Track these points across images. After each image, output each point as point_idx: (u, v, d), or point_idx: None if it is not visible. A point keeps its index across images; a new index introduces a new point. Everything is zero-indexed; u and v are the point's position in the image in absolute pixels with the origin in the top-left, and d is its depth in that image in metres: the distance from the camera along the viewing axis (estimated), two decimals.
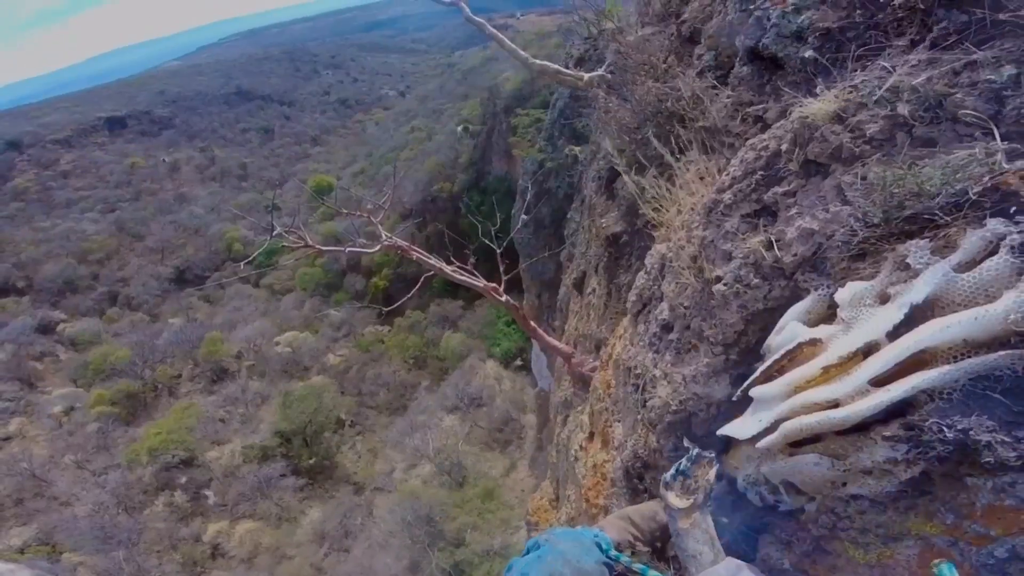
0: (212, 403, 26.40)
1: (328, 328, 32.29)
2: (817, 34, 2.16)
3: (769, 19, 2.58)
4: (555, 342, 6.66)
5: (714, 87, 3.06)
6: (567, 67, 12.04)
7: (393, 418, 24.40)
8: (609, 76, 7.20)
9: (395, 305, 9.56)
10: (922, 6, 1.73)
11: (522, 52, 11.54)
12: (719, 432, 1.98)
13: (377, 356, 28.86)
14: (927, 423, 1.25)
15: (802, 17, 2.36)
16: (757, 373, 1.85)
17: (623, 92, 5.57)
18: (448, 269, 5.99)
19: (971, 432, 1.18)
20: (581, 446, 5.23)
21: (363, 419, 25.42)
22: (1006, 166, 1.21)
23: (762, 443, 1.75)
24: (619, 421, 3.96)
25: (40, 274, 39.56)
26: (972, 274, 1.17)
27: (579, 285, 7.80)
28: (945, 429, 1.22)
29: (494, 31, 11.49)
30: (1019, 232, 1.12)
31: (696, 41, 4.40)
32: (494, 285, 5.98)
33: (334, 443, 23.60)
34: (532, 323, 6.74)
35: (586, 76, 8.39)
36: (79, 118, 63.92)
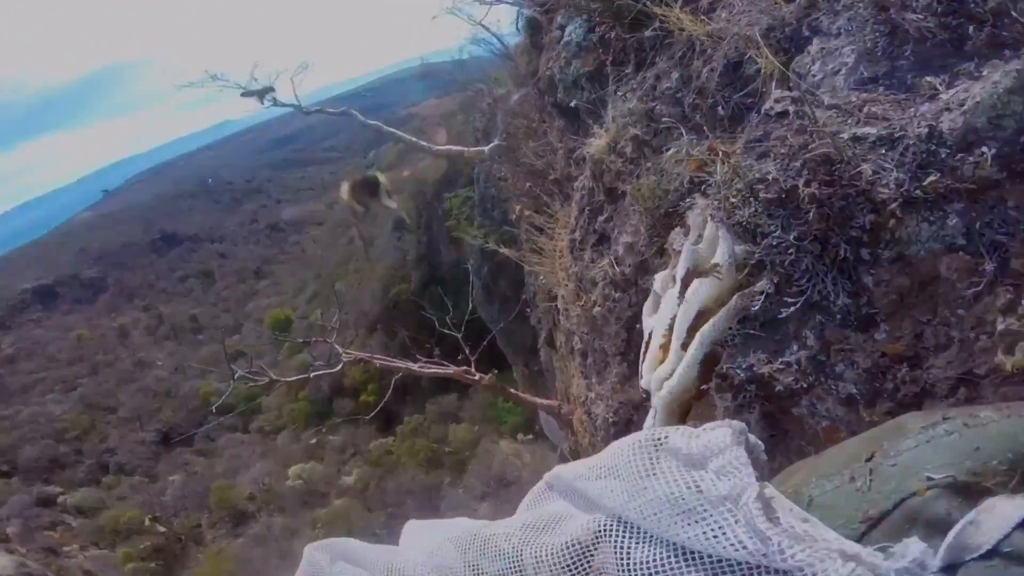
0: (242, 545, 26.06)
1: (332, 453, 32.24)
2: (584, 79, 2.66)
3: (556, 76, 3.12)
4: (541, 400, 6.90)
5: (556, 139, 3.56)
6: (476, 140, 12.87)
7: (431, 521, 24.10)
8: (503, 144, 7.84)
9: (373, 412, 9.81)
10: (626, 36, 2.23)
11: (423, 143, 12.36)
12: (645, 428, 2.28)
13: (391, 468, 28.70)
14: (727, 368, 1.58)
15: (572, 67, 2.89)
16: (640, 368, 2.19)
17: (514, 157, 6.11)
18: (416, 366, 6.29)
19: (755, 368, 1.51)
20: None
21: (399, 530, 24.92)
22: (694, 153, 1.62)
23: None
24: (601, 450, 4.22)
25: (22, 457, 39.13)
26: (701, 244, 1.55)
27: (551, 342, 8.13)
28: (739, 371, 1.55)
29: (390, 129, 12.34)
30: (713, 200, 1.50)
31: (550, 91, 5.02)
32: (464, 368, 6.26)
33: None
34: (513, 391, 6.98)
35: (485, 150, 9.08)
36: (4, 293, 63.13)
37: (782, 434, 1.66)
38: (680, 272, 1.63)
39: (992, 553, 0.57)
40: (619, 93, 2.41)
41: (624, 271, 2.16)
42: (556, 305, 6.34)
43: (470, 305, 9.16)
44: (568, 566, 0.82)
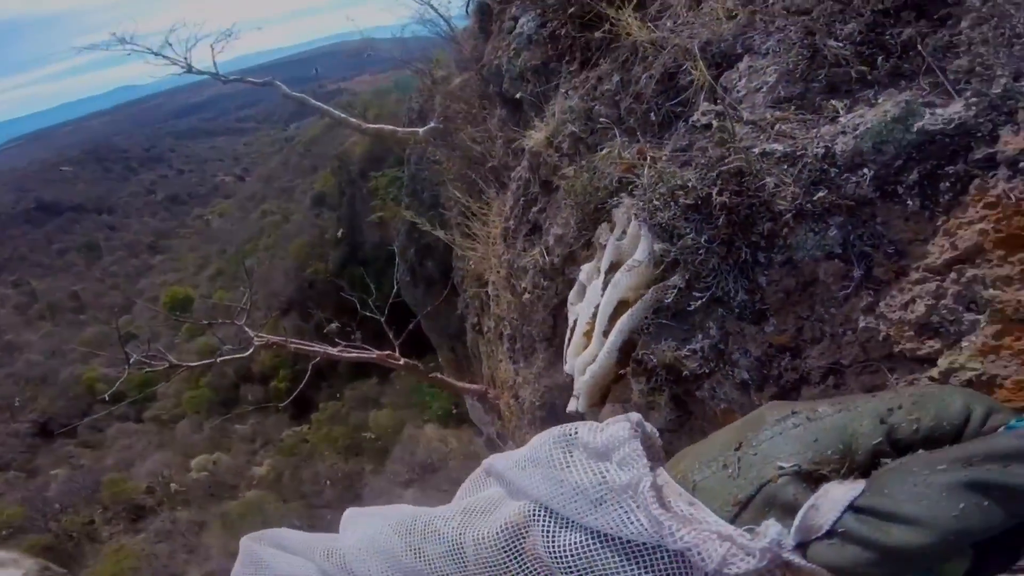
0: (144, 541, 24.60)
1: (241, 443, 30.75)
2: (531, 72, 2.78)
3: (503, 66, 3.22)
4: (466, 385, 7.02)
5: (497, 127, 3.66)
6: (411, 121, 12.64)
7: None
8: (440, 127, 7.83)
9: (290, 398, 9.51)
10: (576, 34, 2.37)
11: (353, 120, 12.00)
12: (568, 411, 2.45)
13: (307, 456, 27.84)
14: (643, 354, 1.76)
15: (520, 59, 2.99)
16: (565, 354, 2.35)
17: (451, 141, 6.12)
18: (335, 351, 6.17)
19: (666, 354, 1.69)
20: None
21: (319, 519, 24.44)
22: (624, 156, 1.78)
23: (581, 410, 2.22)
24: (527, 434, 4.40)
25: None
26: (625, 240, 1.71)
27: (478, 327, 8.26)
28: (653, 357, 1.73)
29: (318, 104, 11.87)
30: (639, 201, 1.66)
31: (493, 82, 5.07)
32: (387, 352, 6.25)
33: None
34: (439, 376, 7.04)
35: (420, 131, 9.01)
36: None
37: (687, 415, 1.86)
38: (604, 265, 1.78)
39: (831, 533, 0.72)
40: (562, 90, 2.54)
41: (553, 261, 2.31)
42: (486, 291, 6.47)
43: (395, 288, 9.06)
44: (504, 548, 0.95)
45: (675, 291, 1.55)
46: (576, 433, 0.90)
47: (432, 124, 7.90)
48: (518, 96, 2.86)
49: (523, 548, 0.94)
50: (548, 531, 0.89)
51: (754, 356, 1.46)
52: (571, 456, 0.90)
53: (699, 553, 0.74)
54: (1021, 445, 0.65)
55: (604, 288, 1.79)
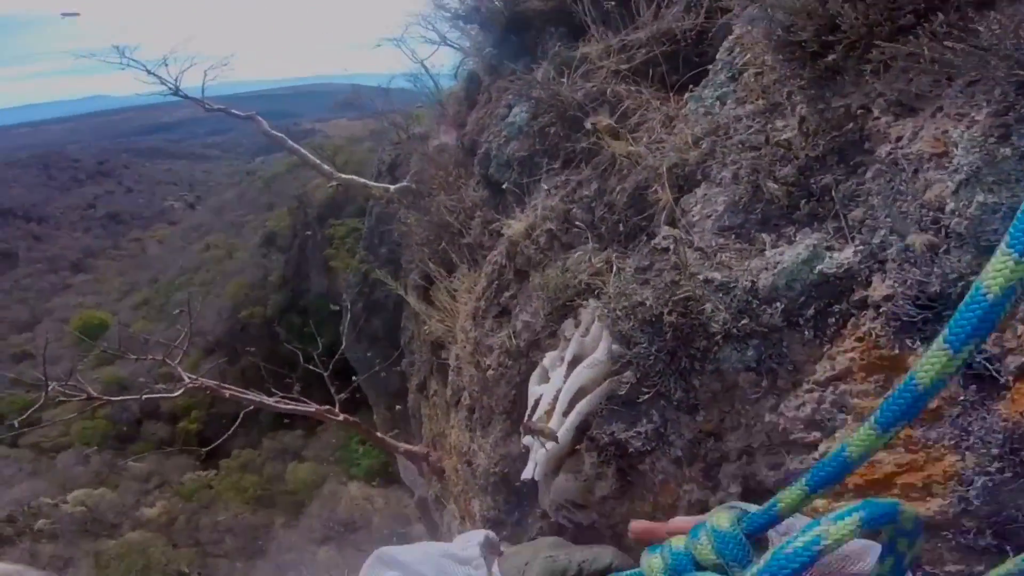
0: None
1: (131, 481, 28.75)
2: (517, 162, 3.23)
3: (491, 151, 3.68)
4: (407, 446, 7.14)
5: (477, 206, 4.09)
6: (379, 173, 13.03)
7: (253, 562, 22.38)
8: (413, 187, 8.24)
9: (213, 444, 9.29)
10: (562, 133, 2.84)
11: (326, 167, 12.33)
12: (522, 479, 2.77)
13: (208, 502, 26.36)
14: (596, 433, 2.13)
15: (509, 147, 3.45)
16: (522, 428, 2.69)
17: (422, 204, 6.47)
18: (271, 401, 6.19)
19: (615, 433, 2.07)
20: (458, 531, 5.77)
21: (214, 570, 23.00)
22: (594, 261, 2.21)
23: (537, 478, 2.55)
24: (474, 497, 4.63)
25: None
26: (588, 336, 2.11)
27: (423, 389, 8.47)
28: (605, 436, 2.10)
29: (295, 145, 12.15)
30: (604, 309, 2.07)
31: (475, 153, 5.47)
32: (327, 407, 6.35)
33: None
34: (379, 435, 7.15)
35: (392, 188, 9.43)
36: None
37: (629, 484, 2.22)
38: (568, 356, 2.17)
39: None
40: (545, 186, 2.99)
41: (519, 344, 2.68)
42: (444, 359, 6.75)
43: (343, 342, 9.19)
44: None
45: (627, 385, 1.94)
46: (458, 549, 1.32)
47: (405, 183, 8.31)
48: (503, 184, 3.28)
49: None
50: None
51: (687, 439, 1.86)
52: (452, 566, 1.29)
53: None
54: None
55: (567, 376, 2.17)
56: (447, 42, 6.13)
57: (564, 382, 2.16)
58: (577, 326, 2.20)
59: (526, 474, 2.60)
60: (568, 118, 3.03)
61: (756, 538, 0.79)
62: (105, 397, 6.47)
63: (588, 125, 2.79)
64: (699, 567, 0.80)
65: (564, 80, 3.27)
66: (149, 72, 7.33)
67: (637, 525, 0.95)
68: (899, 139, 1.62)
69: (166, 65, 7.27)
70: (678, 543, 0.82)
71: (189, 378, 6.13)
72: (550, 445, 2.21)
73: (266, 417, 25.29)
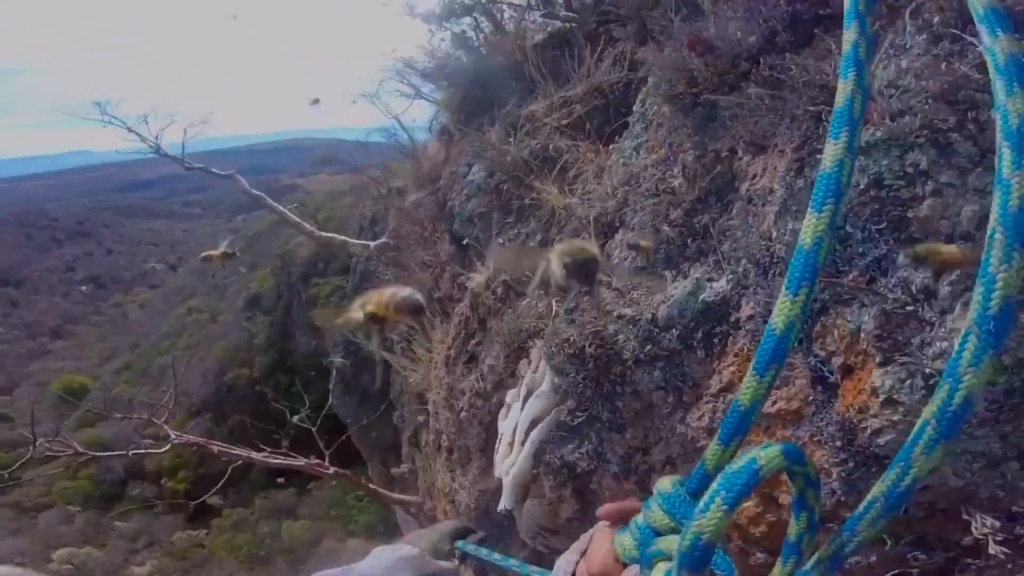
0: None
1: (120, 540, 28.18)
2: (478, 217, 3.65)
3: (455, 207, 4.10)
4: (403, 497, 7.35)
5: (447, 260, 4.50)
6: (361, 229, 13.43)
7: None
8: (392, 243, 8.65)
9: (203, 498, 9.39)
10: (514, 190, 3.27)
11: (307, 225, 12.73)
12: (499, 509, 3.09)
13: (201, 562, 25.79)
14: (549, 458, 2.49)
15: (470, 204, 3.87)
16: (495, 460, 3.03)
17: (401, 260, 6.85)
18: (260, 456, 6.34)
19: (564, 456, 2.43)
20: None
21: None
22: (539, 307, 2.60)
23: (509, 506, 2.88)
24: None
25: None
26: (537, 372, 2.49)
27: (415, 441, 8.74)
28: (556, 459, 2.46)
29: (275, 204, 12.54)
30: (545, 347, 2.45)
31: (447, 207, 5.79)
32: (317, 461, 6.55)
33: None
34: (371, 485, 7.37)
35: (372, 245, 9.86)
36: None
37: (587, 504, 2.56)
38: (523, 392, 2.54)
39: None
40: (500, 240, 3.40)
41: (486, 386, 3.05)
42: (427, 408, 7.04)
43: (330, 399, 9.44)
44: None
45: (567, 412, 2.32)
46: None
47: (383, 240, 8.74)
48: (464, 241, 3.69)
49: None
50: None
51: (620, 455, 2.22)
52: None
53: None
54: None
55: (522, 409, 2.54)
56: (421, 95, 6.46)
57: (520, 415, 2.53)
58: (529, 364, 2.58)
59: (501, 505, 2.94)
60: (517, 176, 3.46)
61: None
62: (92, 452, 6.62)
63: (530, 182, 3.23)
64: (658, 534, 0.90)
65: (512, 140, 3.72)
66: (130, 130, 7.34)
67: (606, 510, 1.06)
68: (754, 176, 1.93)
69: (146, 122, 7.37)
70: (639, 518, 0.94)
71: (175, 435, 6.32)
72: (513, 472, 2.56)
73: (257, 477, 25.03)
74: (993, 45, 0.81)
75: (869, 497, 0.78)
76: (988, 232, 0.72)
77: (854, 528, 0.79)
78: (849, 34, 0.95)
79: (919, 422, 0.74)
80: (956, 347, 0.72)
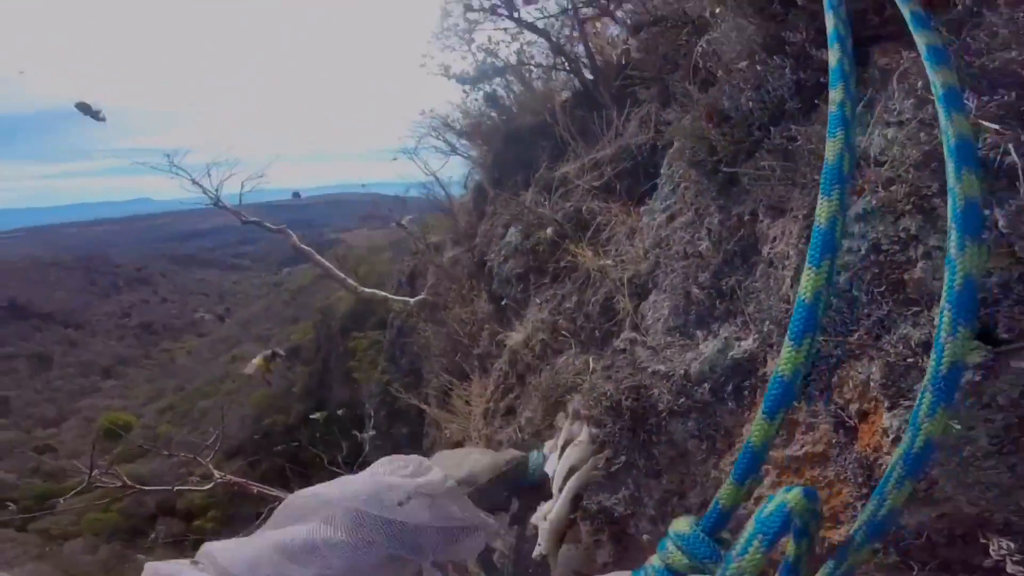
0: None
1: (139, 574, 28.18)
2: (515, 278, 3.89)
3: (494, 268, 4.36)
4: None
5: (486, 319, 4.74)
6: (400, 284, 13.87)
7: None
8: (430, 299, 8.95)
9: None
10: (549, 252, 3.51)
11: (350, 281, 13.23)
12: (533, 556, 3.20)
13: None
14: (587, 504, 2.63)
15: (508, 264, 4.13)
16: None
17: (439, 317, 7.10)
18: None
19: (601, 502, 2.58)
20: None
21: None
22: (576, 364, 2.80)
23: (545, 553, 3.00)
24: None
25: None
26: (575, 426, 2.67)
27: None
28: (594, 505, 2.61)
29: (322, 260, 13.08)
30: (583, 400, 2.64)
31: (484, 265, 5.58)
32: None
33: None
34: None
35: (411, 301, 10.22)
36: None
37: (624, 548, 2.68)
38: (560, 442, 2.71)
39: None
40: (536, 300, 3.63)
41: (524, 437, 3.22)
42: None
43: (365, 447, 9.66)
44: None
45: (604, 460, 2.48)
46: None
47: (423, 296, 9.05)
48: (503, 301, 3.94)
49: None
50: None
51: (656, 499, 2.37)
52: None
53: None
54: None
55: (559, 458, 2.71)
56: (457, 151, 6.69)
57: (558, 464, 2.69)
58: (566, 417, 2.76)
59: (536, 551, 3.06)
60: (552, 238, 3.71)
61: (715, 538, 0.90)
62: (139, 486, 6.87)
63: (566, 246, 3.47)
64: (675, 574, 0.92)
65: (546, 203, 3.99)
66: (194, 182, 7.81)
67: None
68: (774, 239, 2.08)
69: (208, 175, 7.83)
70: (654, 560, 0.97)
71: (220, 475, 6.56)
72: (550, 518, 2.70)
73: None
74: (947, 128, 0.87)
75: (856, 525, 0.93)
76: (940, 308, 0.86)
77: (844, 553, 0.90)
78: (835, 94, 0.99)
79: (890, 463, 0.89)
80: (917, 401, 0.86)
